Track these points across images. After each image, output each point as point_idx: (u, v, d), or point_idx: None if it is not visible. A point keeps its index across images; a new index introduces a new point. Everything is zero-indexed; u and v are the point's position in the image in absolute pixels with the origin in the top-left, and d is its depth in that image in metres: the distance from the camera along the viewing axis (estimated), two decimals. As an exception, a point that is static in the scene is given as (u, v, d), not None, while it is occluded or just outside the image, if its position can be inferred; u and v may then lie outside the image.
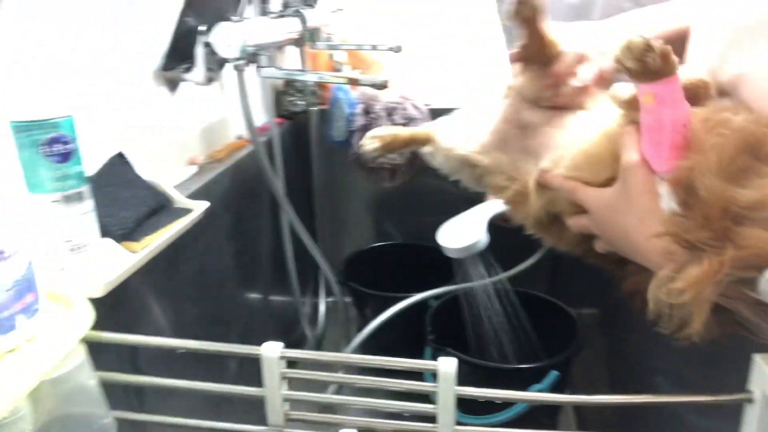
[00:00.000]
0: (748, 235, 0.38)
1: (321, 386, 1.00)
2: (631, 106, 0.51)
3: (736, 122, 0.44)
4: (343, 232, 1.35)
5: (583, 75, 0.62)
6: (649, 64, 0.45)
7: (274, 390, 0.45)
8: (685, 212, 0.43)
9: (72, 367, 0.40)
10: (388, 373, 0.46)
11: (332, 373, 0.47)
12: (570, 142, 0.60)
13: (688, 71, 0.50)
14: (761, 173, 0.41)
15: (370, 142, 0.76)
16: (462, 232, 0.91)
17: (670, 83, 0.45)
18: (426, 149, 0.75)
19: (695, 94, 0.50)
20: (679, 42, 0.60)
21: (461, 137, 0.71)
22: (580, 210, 0.57)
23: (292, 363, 0.53)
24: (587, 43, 0.64)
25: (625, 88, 0.51)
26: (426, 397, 0.46)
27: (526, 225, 0.65)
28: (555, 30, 0.62)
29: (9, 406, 0.35)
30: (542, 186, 0.61)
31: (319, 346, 1.27)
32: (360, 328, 1.15)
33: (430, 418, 0.46)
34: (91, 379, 0.41)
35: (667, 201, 0.45)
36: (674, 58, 0.45)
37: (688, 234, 0.42)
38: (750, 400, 0.42)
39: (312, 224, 1.33)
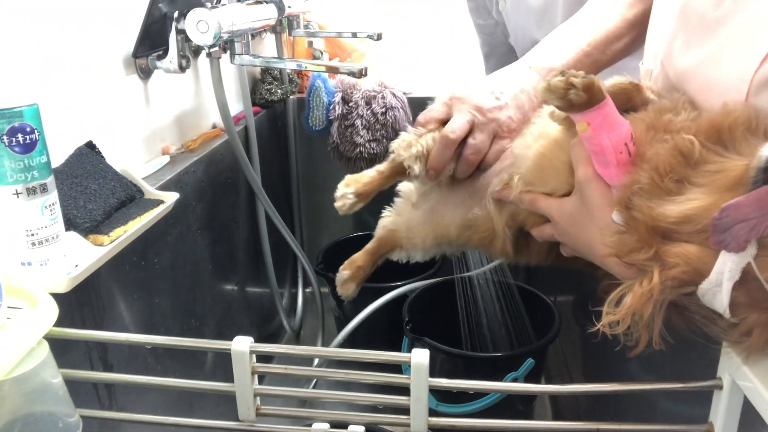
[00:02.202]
0: (674, 252, 0.38)
1: (300, 379, 1.00)
2: (570, 123, 0.50)
3: (678, 123, 0.44)
4: (321, 222, 1.34)
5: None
6: (573, 101, 0.44)
7: (245, 385, 0.44)
8: (628, 231, 0.43)
9: (35, 364, 0.39)
10: (366, 366, 0.46)
11: (303, 367, 0.47)
12: (517, 160, 0.60)
13: (617, 77, 0.49)
14: (694, 182, 0.40)
15: (339, 278, 0.78)
16: None
17: (602, 109, 0.45)
18: (399, 255, 0.77)
19: (629, 98, 0.49)
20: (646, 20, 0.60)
21: (420, 225, 0.73)
22: (543, 220, 0.57)
23: (269, 357, 0.52)
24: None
25: None
26: (405, 387, 0.46)
27: (501, 255, 0.66)
28: None
29: (-32, 406, 0.34)
30: (499, 201, 0.62)
31: (297, 338, 1.26)
32: (339, 319, 1.15)
33: (405, 410, 0.45)
34: (55, 377, 0.40)
35: (617, 217, 0.45)
36: (599, 85, 0.45)
37: (628, 256, 0.41)
38: (719, 387, 0.42)
39: (290, 214, 1.32)
